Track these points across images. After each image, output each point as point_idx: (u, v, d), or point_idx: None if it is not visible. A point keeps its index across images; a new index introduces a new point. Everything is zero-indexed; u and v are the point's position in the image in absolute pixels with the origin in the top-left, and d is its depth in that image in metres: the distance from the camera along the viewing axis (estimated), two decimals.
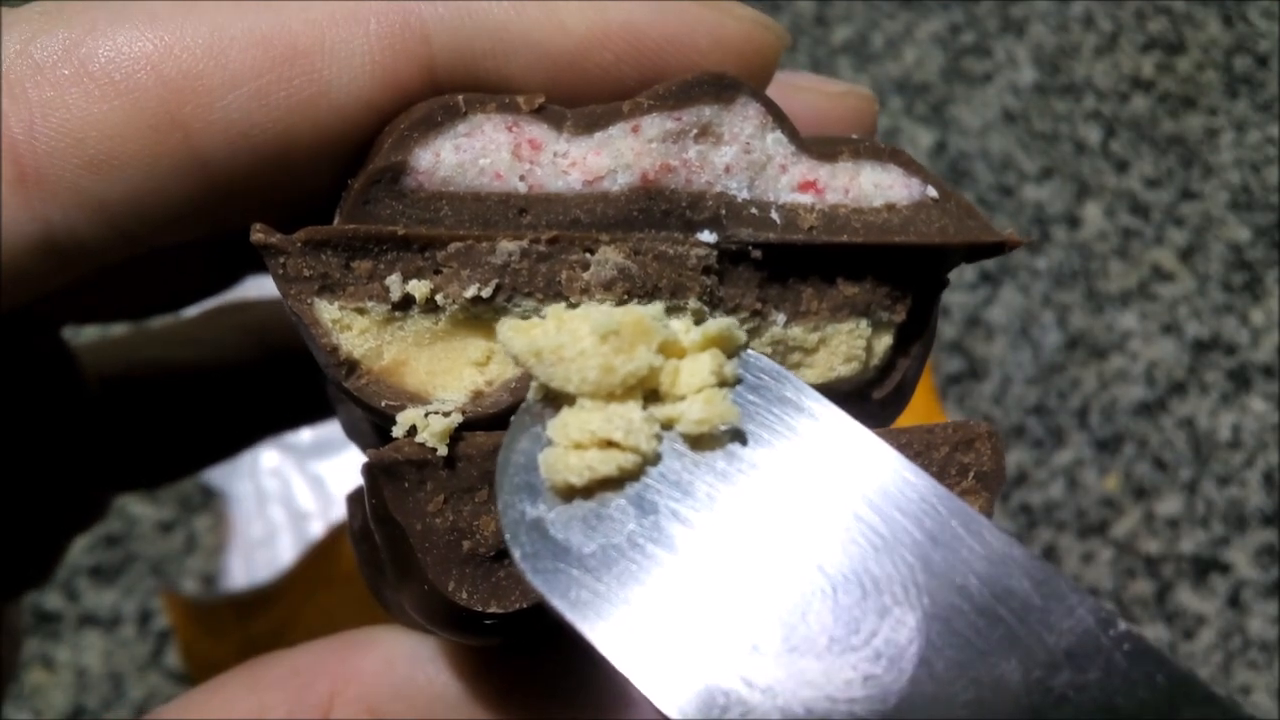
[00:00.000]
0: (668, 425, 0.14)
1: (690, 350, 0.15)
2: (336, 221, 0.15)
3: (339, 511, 0.44)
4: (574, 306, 0.15)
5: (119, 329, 0.27)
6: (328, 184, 0.16)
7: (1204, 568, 0.47)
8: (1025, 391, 0.50)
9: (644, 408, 0.14)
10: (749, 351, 0.15)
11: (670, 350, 0.15)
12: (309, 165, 0.16)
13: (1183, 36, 0.57)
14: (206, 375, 0.25)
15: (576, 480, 0.14)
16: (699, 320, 0.15)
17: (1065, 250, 0.53)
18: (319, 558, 0.43)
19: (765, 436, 0.15)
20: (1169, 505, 0.48)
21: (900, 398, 0.17)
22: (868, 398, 0.16)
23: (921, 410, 0.48)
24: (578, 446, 0.14)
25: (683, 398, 0.14)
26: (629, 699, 0.16)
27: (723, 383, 0.15)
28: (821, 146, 0.16)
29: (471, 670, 0.16)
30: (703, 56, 0.16)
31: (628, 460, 0.14)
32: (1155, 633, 0.46)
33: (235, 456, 0.26)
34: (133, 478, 0.26)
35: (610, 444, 0.14)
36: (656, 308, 0.15)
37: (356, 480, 0.16)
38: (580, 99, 0.16)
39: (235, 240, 0.16)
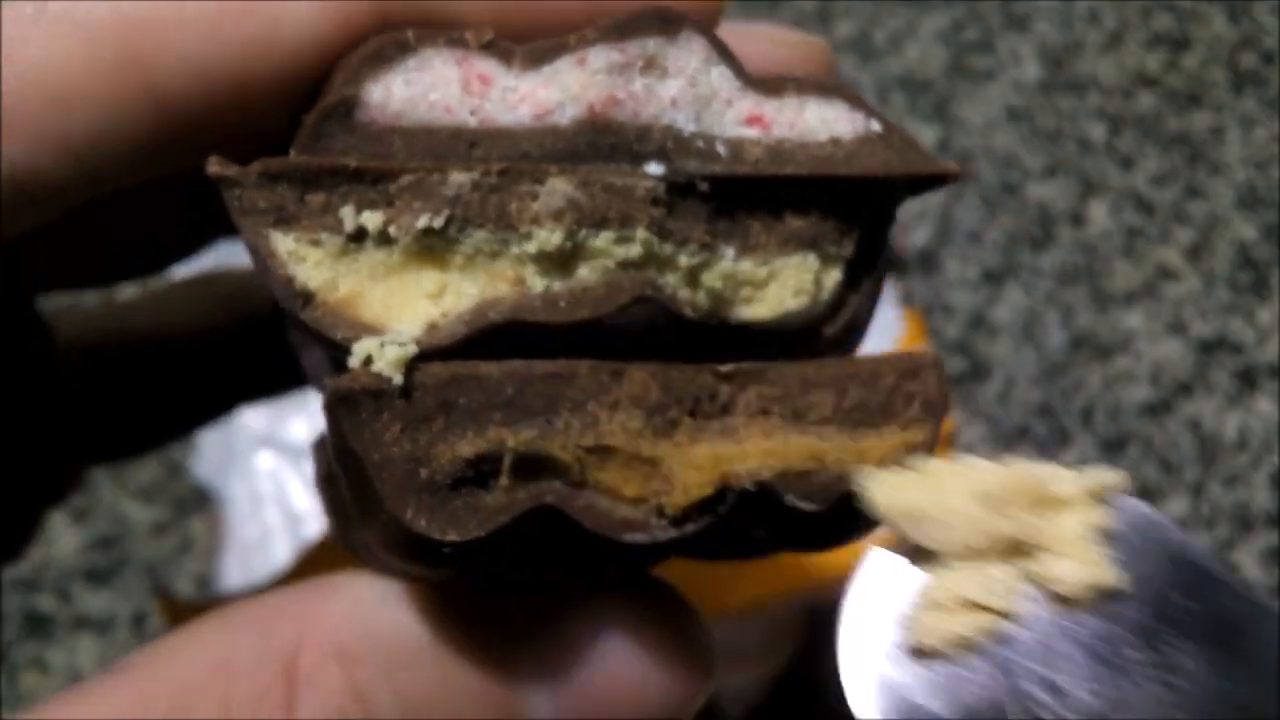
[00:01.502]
0: (1037, 582, 0.14)
1: (1069, 503, 0.15)
2: (291, 155, 0.15)
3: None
4: (526, 237, 0.15)
5: (90, 302, 0.28)
6: (283, 121, 0.16)
7: None
8: (1029, 392, 0.50)
9: (1011, 562, 0.14)
10: (1121, 496, 0.15)
11: (1047, 504, 0.15)
12: (264, 102, 0.16)
13: (1188, 33, 0.57)
14: (179, 345, 0.25)
15: (941, 644, 0.14)
16: (647, 248, 0.15)
17: (1070, 249, 0.52)
18: (314, 560, 0.43)
19: (1140, 593, 0.14)
20: (1175, 506, 0.48)
21: (851, 334, 0.17)
22: (819, 334, 0.17)
23: None
24: (943, 607, 0.14)
25: (1052, 550, 0.15)
26: (589, 641, 0.16)
27: (1097, 535, 0.15)
28: (768, 82, 0.16)
29: (436, 612, 0.16)
30: None
31: (995, 622, 0.14)
32: None
33: (208, 426, 0.27)
34: (107, 449, 0.26)
35: (977, 605, 0.14)
36: (607, 237, 0.15)
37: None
38: (528, 35, 0.16)
39: (200, 197, 0.16)
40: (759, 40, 0.18)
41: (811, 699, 0.44)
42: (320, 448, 0.17)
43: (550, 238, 0.15)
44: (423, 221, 0.15)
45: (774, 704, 0.44)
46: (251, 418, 0.46)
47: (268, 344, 0.23)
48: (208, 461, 0.47)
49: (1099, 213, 0.53)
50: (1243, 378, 0.50)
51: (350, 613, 0.16)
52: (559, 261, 0.15)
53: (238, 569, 0.45)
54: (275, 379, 0.26)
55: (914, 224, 0.53)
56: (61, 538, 0.48)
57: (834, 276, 0.17)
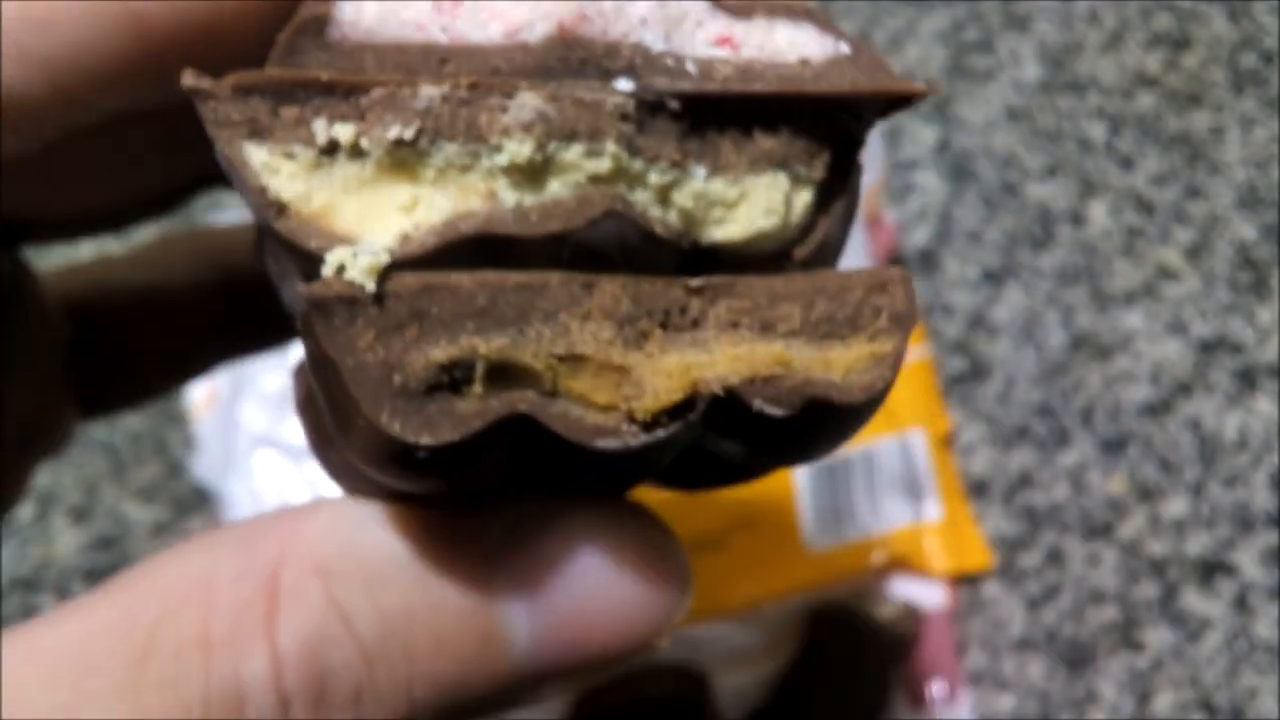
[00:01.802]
0: None
1: None
2: (266, 70, 0.15)
3: None
4: (496, 149, 0.15)
5: (79, 256, 0.28)
6: (258, 39, 0.16)
7: (1210, 570, 0.47)
8: (1029, 392, 0.50)
9: None
10: None
11: None
12: (238, 23, 0.16)
13: (1188, 33, 0.57)
14: (165, 299, 0.26)
15: None
16: (617, 163, 0.16)
17: (1069, 249, 0.52)
18: None
19: None
20: (1175, 507, 0.48)
21: (823, 257, 0.17)
22: (790, 257, 0.17)
23: (923, 409, 0.48)
24: None
25: None
26: (565, 560, 0.17)
27: None
28: (738, 4, 0.16)
29: (415, 532, 0.17)
30: None
31: None
32: (1160, 636, 0.46)
33: (196, 380, 0.27)
34: (97, 402, 0.26)
35: None
36: (577, 150, 0.15)
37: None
38: None
39: (183, 142, 0.17)
40: None
41: (811, 699, 0.44)
42: (300, 373, 0.18)
43: (520, 149, 0.15)
44: (394, 132, 0.15)
45: (774, 704, 0.44)
46: (251, 418, 0.46)
47: (254, 298, 0.24)
48: (207, 461, 0.47)
49: (1099, 212, 0.53)
50: (1243, 378, 0.50)
51: (331, 531, 0.17)
52: (529, 175, 0.15)
53: None
54: (261, 334, 0.27)
55: (914, 224, 0.53)
56: (61, 538, 0.48)
57: (804, 198, 0.17)
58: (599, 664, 0.17)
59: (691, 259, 0.17)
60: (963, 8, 0.57)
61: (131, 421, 0.49)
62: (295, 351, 0.21)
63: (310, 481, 0.46)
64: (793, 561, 0.44)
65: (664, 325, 0.16)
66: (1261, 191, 0.53)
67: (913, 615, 0.45)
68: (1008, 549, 0.47)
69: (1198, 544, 0.47)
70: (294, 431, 0.46)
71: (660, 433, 0.15)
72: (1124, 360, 0.50)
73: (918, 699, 0.45)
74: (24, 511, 0.48)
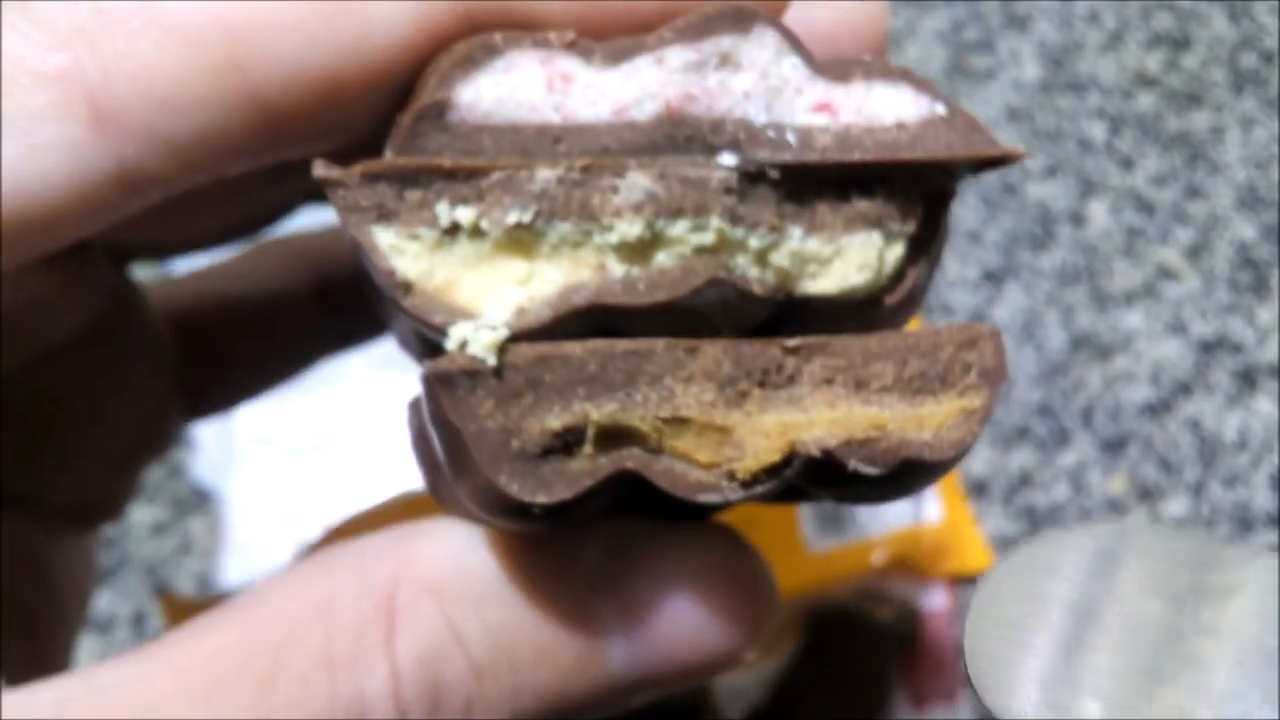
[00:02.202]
0: None
1: None
2: (387, 154, 0.16)
3: (333, 511, 0.44)
4: (608, 229, 0.16)
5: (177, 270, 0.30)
6: (371, 114, 0.17)
7: None
8: (1029, 392, 0.50)
9: None
10: None
11: None
12: (354, 98, 0.17)
13: (1188, 33, 0.57)
14: (263, 305, 0.27)
15: None
16: (720, 235, 0.16)
17: (1070, 249, 0.52)
18: None
19: None
20: (1175, 507, 0.48)
21: (911, 303, 0.18)
22: (881, 303, 0.18)
23: None
24: None
25: None
26: (660, 590, 0.18)
27: None
28: (835, 68, 0.17)
29: (520, 555, 0.18)
30: None
31: None
32: None
33: (292, 380, 0.29)
34: (199, 405, 0.28)
35: None
36: (683, 226, 0.16)
37: (400, 407, 0.18)
38: (605, 32, 0.17)
39: (290, 172, 0.18)
40: (817, 8, 0.18)
41: (811, 699, 0.44)
42: (414, 409, 0.19)
43: (630, 229, 0.16)
44: (512, 217, 0.16)
45: (773, 704, 0.44)
46: (250, 418, 0.46)
47: (346, 298, 0.26)
48: (207, 461, 0.47)
49: (1099, 212, 0.53)
50: (1243, 377, 0.50)
51: (443, 553, 0.18)
52: (638, 250, 0.16)
53: (237, 568, 0.45)
54: (353, 330, 0.28)
55: None
56: None
57: (896, 252, 0.17)
58: (691, 678, 0.19)
59: (783, 307, 0.17)
60: (963, 7, 0.57)
61: None
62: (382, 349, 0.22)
63: (310, 478, 0.46)
64: (793, 562, 0.44)
65: (762, 384, 0.16)
66: (1261, 191, 0.53)
67: (913, 615, 0.45)
68: (1008, 549, 0.47)
69: None
70: (293, 431, 0.46)
71: (758, 489, 0.16)
72: (1124, 360, 0.50)
73: (917, 699, 0.45)
74: None
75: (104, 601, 0.46)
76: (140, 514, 0.48)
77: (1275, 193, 0.53)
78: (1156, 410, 0.50)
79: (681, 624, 0.18)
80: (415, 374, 0.17)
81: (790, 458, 0.16)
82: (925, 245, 0.18)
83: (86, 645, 0.45)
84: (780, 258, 0.17)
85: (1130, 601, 0.14)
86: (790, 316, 0.17)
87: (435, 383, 0.16)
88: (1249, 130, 0.55)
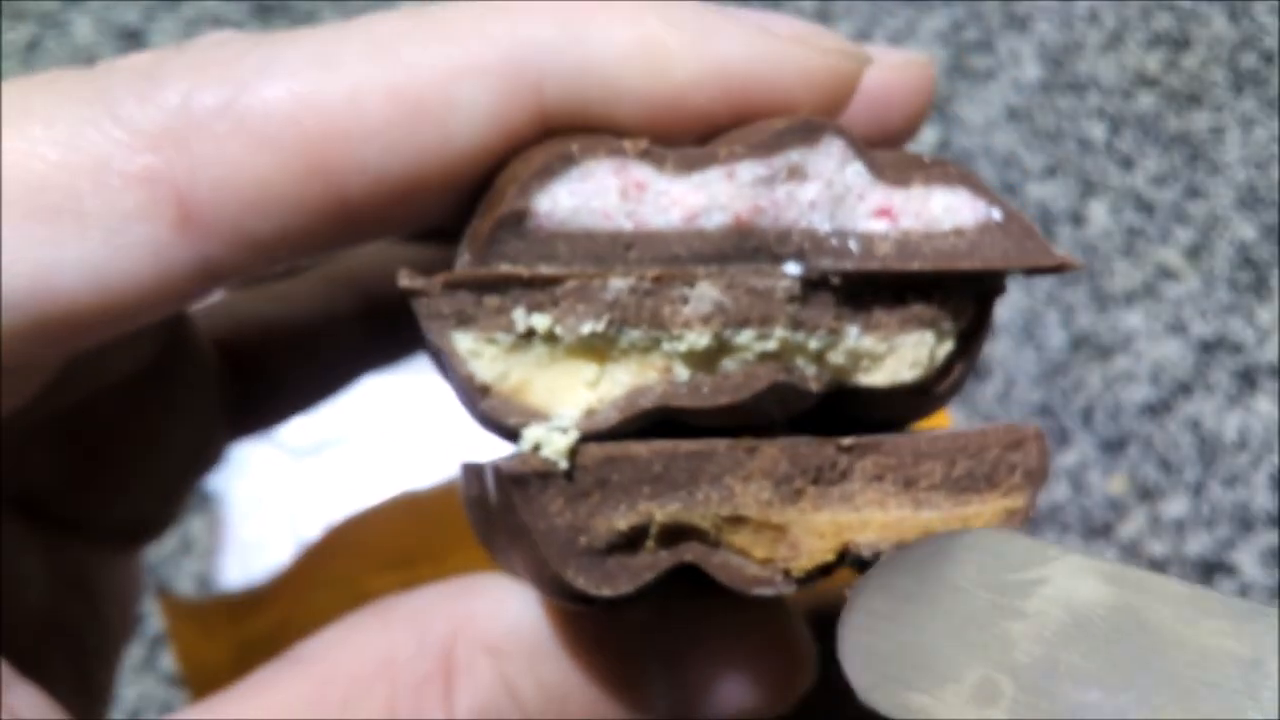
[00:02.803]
0: None
1: None
2: (466, 258, 0.17)
3: (333, 512, 0.44)
4: (678, 338, 0.17)
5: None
6: (447, 206, 0.18)
7: (1210, 570, 0.47)
8: (1029, 392, 0.50)
9: None
10: None
11: None
12: (431, 197, 0.18)
13: (1188, 33, 0.57)
14: (308, 327, 0.28)
15: None
16: (783, 343, 0.17)
17: (1070, 249, 0.52)
18: (314, 558, 0.43)
19: None
20: (1175, 507, 0.48)
21: (956, 389, 0.19)
22: (929, 392, 0.18)
23: None
24: None
25: None
26: (705, 656, 0.19)
27: None
28: (896, 170, 0.17)
29: (572, 616, 0.19)
30: (789, 92, 0.18)
31: None
32: None
33: (340, 394, 0.30)
34: (246, 424, 0.28)
35: None
36: (748, 335, 0.17)
37: (419, 464, 0.19)
38: (675, 134, 0.18)
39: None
40: (869, 68, 0.19)
41: (812, 699, 0.44)
42: (472, 472, 0.19)
43: (699, 340, 0.17)
44: (587, 327, 0.17)
45: None
46: None
47: (388, 317, 0.26)
48: None
49: (1099, 212, 0.53)
50: (1243, 377, 0.50)
51: (498, 611, 0.19)
52: (704, 356, 0.17)
53: (238, 568, 0.45)
54: (397, 348, 0.29)
55: None
56: None
57: (947, 347, 0.18)
58: None
59: (834, 394, 0.18)
60: (962, 7, 0.57)
61: None
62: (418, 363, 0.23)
63: (310, 479, 0.46)
64: None
65: (816, 481, 0.17)
66: (1261, 191, 0.54)
67: None
68: None
69: (1198, 544, 0.48)
70: (294, 432, 0.47)
71: (809, 583, 0.17)
72: (1124, 360, 0.50)
73: None
74: None
75: None
76: None
77: (1275, 193, 0.53)
78: (1156, 410, 0.50)
79: (724, 687, 0.19)
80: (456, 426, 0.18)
81: (842, 556, 0.17)
82: (973, 338, 0.18)
83: None
84: (836, 356, 0.17)
85: (962, 593, 0.16)
86: (840, 402, 0.18)
87: (509, 483, 0.16)
88: (1249, 130, 0.55)
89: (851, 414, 0.18)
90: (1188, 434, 0.49)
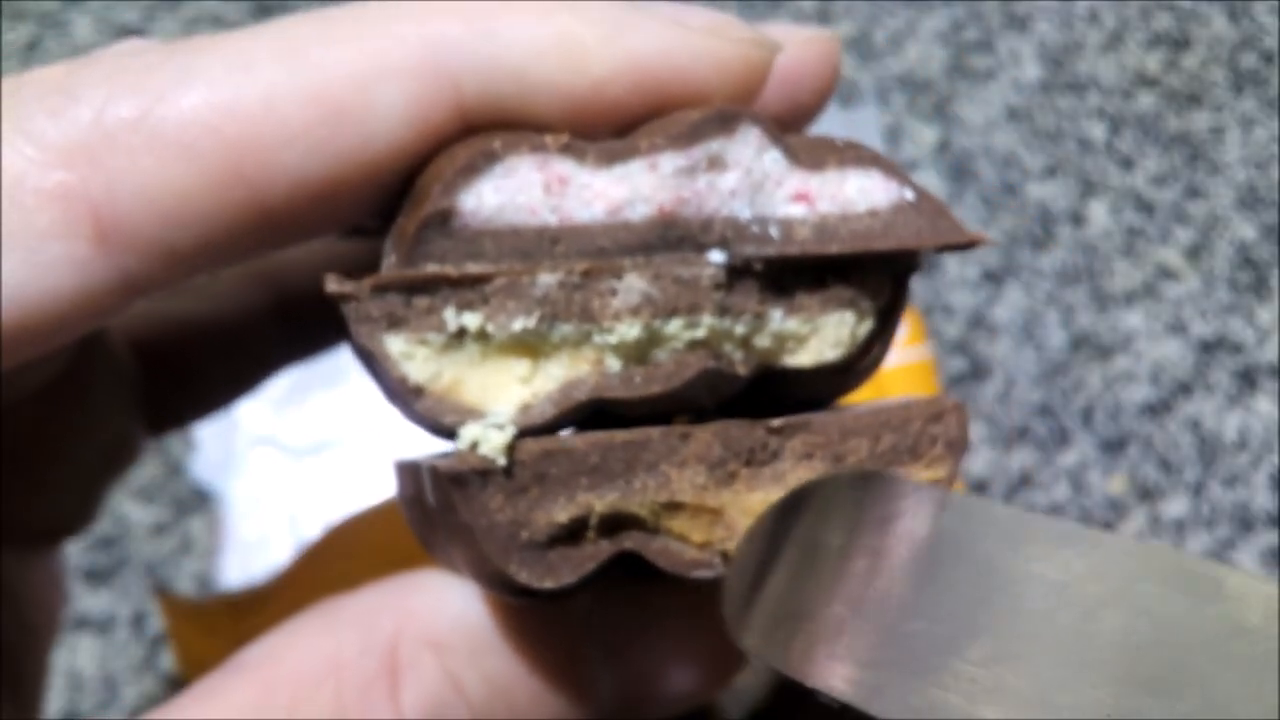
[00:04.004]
0: None
1: None
2: (392, 259, 0.17)
3: (333, 512, 0.44)
4: (608, 331, 0.17)
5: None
6: (371, 209, 0.18)
7: None
8: (1029, 392, 0.50)
9: None
10: None
11: None
12: (354, 200, 0.18)
13: (1188, 33, 0.57)
14: (224, 324, 0.28)
15: None
16: (711, 329, 0.17)
17: (1070, 249, 0.52)
18: (314, 558, 0.43)
19: None
20: (1175, 507, 0.48)
21: (876, 365, 0.19)
22: (851, 369, 0.19)
23: None
24: None
25: None
26: (649, 632, 0.19)
27: None
28: (811, 155, 0.18)
29: (514, 609, 0.19)
30: (704, 82, 0.18)
31: None
32: None
33: (257, 389, 0.30)
34: (163, 422, 0.28)
35: None
36: (677, 324, 0.17)
37: (372, 468, 0.19)
38: (594, 127, 0.18)
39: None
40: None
41: (811, 700, 0.44)
42: (406, 472, 0.19)
43: (629, 331, 0.17)
44: (518, 324, 0.17)
45: (774, 704, 0.44)
46: (250, 418, 0.46)
47: (306, 313, 0.26)
48: (207, 461, 0.47)
49: (1099, 212, 0.53)
50: (1243, 377, 0.50)
51: (439, 606, 0.19)
52: (635, 347, 0.17)
53: (237, 568, 0.45)
54: (314, 343, 0.29)
55: None
56: None
57: (867, 326, 0.19)
58: (672, 710, 0.20)
59: (760, 376, 0.18)
60: (962, 7, 0.57)
61: None
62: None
63: (309, 479, 0.46)
64: None
65: (749, 463, 0.18)
66: (1261, 191, 0.54)
67: None
68: None
69: (1198, 544, 0.47)
70: (293, 431, 0.47)
71: None
72: (1124, 360, 0.50)
73: None
74: None
75: (104, 602, 0.46)
76: (140, 514, 0.48)
77: (1275, 193, 0.53)
78: (1156, 410, 0.50)
79: (666, 671, 0.20)
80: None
81: None
82: (891, 315, 0.19)
83: (86, 645, 0.45)
84: (762, 340, 0.18)
85: (813, 533, 0.17)
86: (767, 384, 0.19)
87: (448, 482, 0.16)
88: (1249, 130, 0.55)
89: (778, 394, 0.19)
90: (1188, 434, 0.49)
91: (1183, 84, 0.56)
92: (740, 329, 0.18)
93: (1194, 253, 0.52)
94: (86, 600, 0.46)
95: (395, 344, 0.17)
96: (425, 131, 0.17)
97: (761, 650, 0.17)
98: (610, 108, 0.18)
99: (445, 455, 0.17)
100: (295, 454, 0.46)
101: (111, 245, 0.16)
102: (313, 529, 0.45)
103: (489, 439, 0.16)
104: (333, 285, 0.16)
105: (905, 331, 0.46)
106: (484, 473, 0.16)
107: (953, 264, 0.52)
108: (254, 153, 0.17)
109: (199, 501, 0.48)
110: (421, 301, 0.17)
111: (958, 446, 0.18)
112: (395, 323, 0.17)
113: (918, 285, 0.52)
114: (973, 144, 0.54)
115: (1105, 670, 0.14)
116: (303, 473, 0.46)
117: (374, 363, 0.17)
